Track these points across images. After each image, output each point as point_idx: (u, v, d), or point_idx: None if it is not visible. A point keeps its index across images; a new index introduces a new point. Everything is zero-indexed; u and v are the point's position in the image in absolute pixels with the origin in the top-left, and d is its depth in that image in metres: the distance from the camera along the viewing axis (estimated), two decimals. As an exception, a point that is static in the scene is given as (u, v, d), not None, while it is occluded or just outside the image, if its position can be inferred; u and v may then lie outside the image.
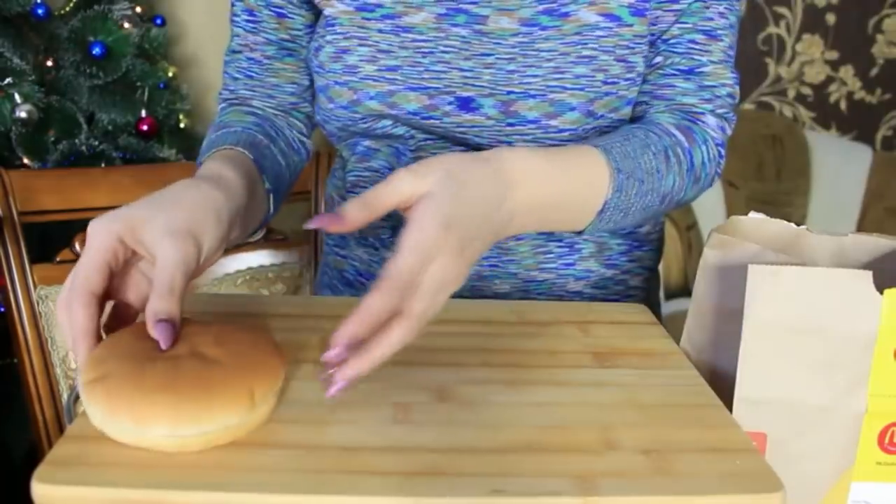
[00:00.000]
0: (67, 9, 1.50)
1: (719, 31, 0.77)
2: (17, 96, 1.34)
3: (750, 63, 2.47)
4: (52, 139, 1.40)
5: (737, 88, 0.79)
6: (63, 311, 0.53)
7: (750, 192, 2.27)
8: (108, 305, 0.55)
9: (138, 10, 1.60)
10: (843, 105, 2.55)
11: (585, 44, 0.73)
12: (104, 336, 0.54)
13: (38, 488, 0.44)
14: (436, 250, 0.52)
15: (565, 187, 0.64)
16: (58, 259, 1.03)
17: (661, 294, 0.96)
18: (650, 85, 0.78)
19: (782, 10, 2.46)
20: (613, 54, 0.74)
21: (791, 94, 2.53)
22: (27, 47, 1.40)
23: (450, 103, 0.75)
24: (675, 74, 0.78)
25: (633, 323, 0.72)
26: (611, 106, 0.76)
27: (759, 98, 2.53)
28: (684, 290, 2.12)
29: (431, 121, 0.76)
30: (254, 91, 0.84)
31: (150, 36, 1.60)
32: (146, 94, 1.56)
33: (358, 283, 0.88)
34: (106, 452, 0.47)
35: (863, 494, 0.59)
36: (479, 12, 0.74)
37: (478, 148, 0.74)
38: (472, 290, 0.83)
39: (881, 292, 0.55)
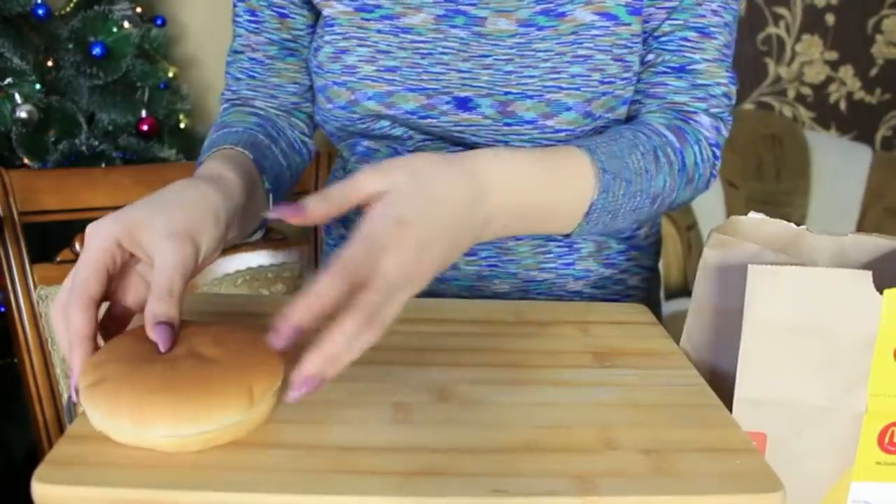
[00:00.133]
0: (68, 9, 1.50)
1: (712, 29, 0.76)
2: (17, 96, 1.34)
3: (750, 63, 2.47)
4: (53, 139, 1.40)
5: (733, 88, 0.78)
6: (59, 315, 0.53)
7: (750, 192, 2.27)
8: (104, 306, 0.55)
9: (138, 10, 1.60)
10: (842, 105, 2.55)
11: (581, 43, 0.73)
12: (101, 340, 0.54)
13: (38, 488, 0.44)
14: (387, 244, 0.50)
15: (547, 189, 0.63)
16: (58, 259, 1.03)
17: (662, 294, 0.96)
18: (642, 84, 0.78)
19: (782, 10, 2.46)
20: (610, 53, 0.74)
21: (791, 94, 2.53)
22: (27, 47, 1.40)
23: (447, 103, 0.75)
24: (666, 72, 0.77)
25: (633, 323, 0.72)
26: (607, 106, 0.75)
27: (758, 98, 2.53)
28: (684, 290, 2.12)
29: (429, 120, 0.76)
30: (256, 91, 0.84)
31: (150, 36, 1.60)
32: (146, 94, 1.56)
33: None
34: (106, 452, 0.47)
35: (863, 494, 0.59)
36: (477, 14, 0.74)
37: (475, 147, 0.74)
38: (472, 290, 0.83)
39: (881, 292, 0.55)
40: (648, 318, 0.73)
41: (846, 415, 0.57)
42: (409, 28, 0.74)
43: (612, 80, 0.74)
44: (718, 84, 0.77)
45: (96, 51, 1.44)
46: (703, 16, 0.75)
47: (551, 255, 0.83)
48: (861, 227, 2.31)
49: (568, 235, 0.68)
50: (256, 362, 0.51)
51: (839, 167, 2.34)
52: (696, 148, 0.75)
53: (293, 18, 0.81)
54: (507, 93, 0.74)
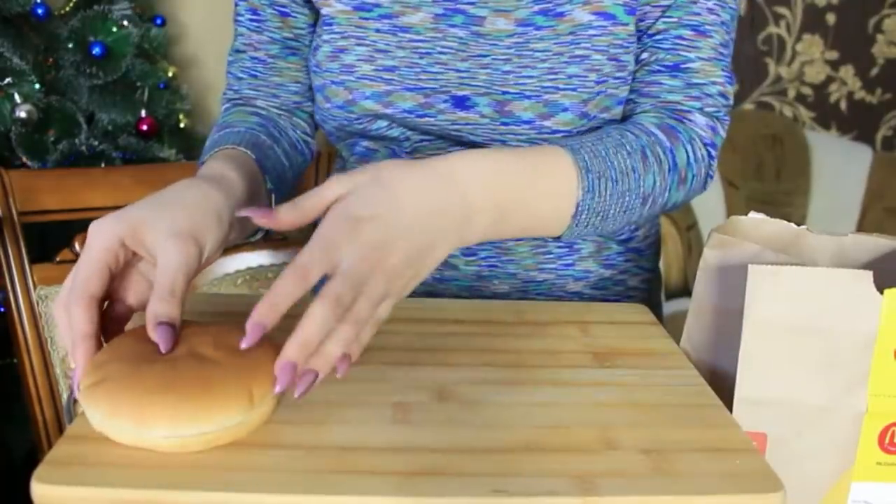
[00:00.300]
0: (67, 9, 1.50)
1: (708, 28, 0.75)
2: (17, 96, 1.34)
3: (750, 63, 2.47)
4: (52, 139, 1.40)
5: (730, 87, 0.77)
6: (62, 314, 0.53)
7: (750, 192, 2.27)
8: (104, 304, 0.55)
9: (138, 9, 1.60)
10: (843, 105, 2.55)
11: (578, 43, 0.73)
12: (102, 338, 0.54)
13: (37, 488, 0.44)
14: (340, 240, 0.51)
15: (527, 187, 0.62)
16: (58, 259, 1.03)
17: (662, 295, 0.96)
18: (637, 82, 0.77)
19: (782, 10, 2.46)
20: (606, 53, 0.74)
21: (791, 94, 2.53)
22: (27, 47, 1.40)
23: (444, 102, 0.75)
24: (660, 71, 0.76)
25: (633, 323, 0.72)
26: (602, 105, 0.75)
27: (759, 98, 2.53)
28: (684, 290, 2.12)
29: (426, 118, 0.76)
30: (258, 91, 0.84)
31: (150, 36, 1.60)
32: (146, 94, 1.56)
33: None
34: (105, 453, 0.47)
35: (863, 494, 0.59)
36: (476, 13, 0.74)
37: (473, 147, 0.74)
38: (472, 290, 0.83)
39: (881, 292, 0.55)
40: (648, 318, 0.73)
41: (846, 415, 0.57)
42: (408, 27, 0.74)
43: (606, 79, 0.74)
44: (714, 83, 0.76)
45: (96, 50, 1.44)
46: (699, 14, 0.74)
47: (551, 256, 0.83)
48: (861, 227, 2.31)
49: (559, 238, 0.68)
50: (257, 363, 0.51)
51: (839, 167, 2.34)
52: (689, 147, 0.74)
53: (295, 17, 0.81)
54: (504, 92, 0.74)
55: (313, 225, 0.54)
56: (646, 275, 0.89)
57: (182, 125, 1.68)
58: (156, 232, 0.54)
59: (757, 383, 0.58)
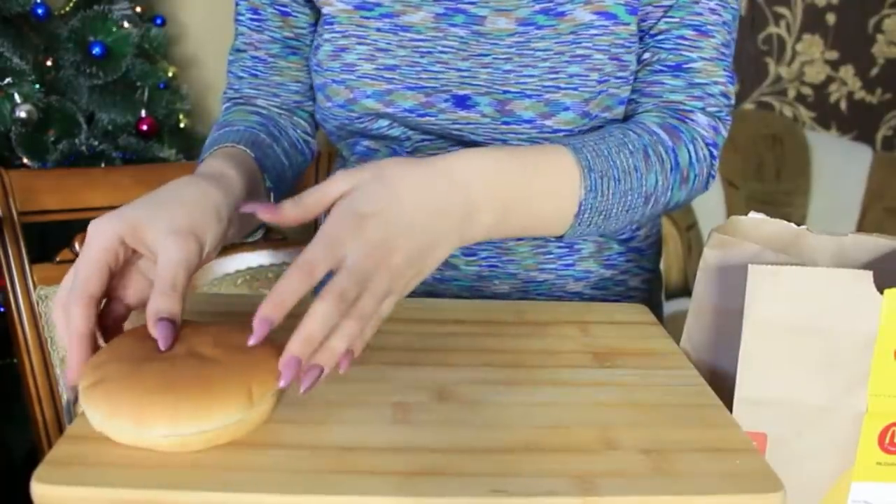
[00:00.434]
0: (67, 9, 1.50)
1: (710, 28, 0.75)
2: (17, 96, 1.34)
3: (750, 63, 2.47)
4: (52, 139, 1.40)
5: (731, 87, 0.77)
6: (60, 313, 0.53)
7: (750, 192, 2.27)
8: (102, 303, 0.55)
9: (138, 10, 1.60)
10: (843, 105, 2.55)
11: (579, 43, 0.73)
12: (100, 337, 0.54)
13: (37, 488, 0.44)
14: (344, 236, 0.51)
15: (529, 185, 0.62)
16: (58, 259, 1.03)
17: (662, 295, 0.96)
18: (639, 82, 0.77)
19: (782, 10, 2.46)
20: (608, 53, 0.74)
21: (791, 94, 2.53)
22: (27, 47, 1.40)
23: (445, 101, 0.75)
24: (662, 71, 0.76)
25: (633, 323, 0.72)
26: (604, 105, 0.75)
27: (759, 98, 2.53)
28: (684, 290, 2.12)
29: (427, 118, 0.76)
30: (258, 90, 0.84)
31: (150, 36, 1.60)
32: (146, 94, 1.56)
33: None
34: (105, 453, 0.47)
35: (863, 494, 0.59)
36: (476, 12, 0.74)
37: (474, 146, 0.74)
38: (472, 290, 0.83)
39: (881, 292, 0.55)
40: (648, 318, 0.73)
41: (846, 415, 0.57)
42: (409, 26, 0.74)
43: (608, 78, 0.74)
44: (716, 83, 0.76)
45: (96, 50, 1.44)
46: (701, 14, 0.74)
47: (551, 256, 0.82)
48: (861, 227, 2.31)
49: (560, 237, 0.68)
50: (256, 362, 0.51)
51: (839, 167, 2.34)
52: (691, 147, 0.74)
53: (295, 17, 0.81)
54: (505, 91, 0.74)
55: (313, 224, 0.55)
56: (646, 275, 0.89)
57: (182, 125, 1.68)
58: (156, 230, 0.54)
59: (757, 383, 0.58)
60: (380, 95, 0.75)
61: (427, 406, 0.55)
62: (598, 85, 0.74)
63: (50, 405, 1.02)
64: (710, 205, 2.18)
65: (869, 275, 0.55)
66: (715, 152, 0.77)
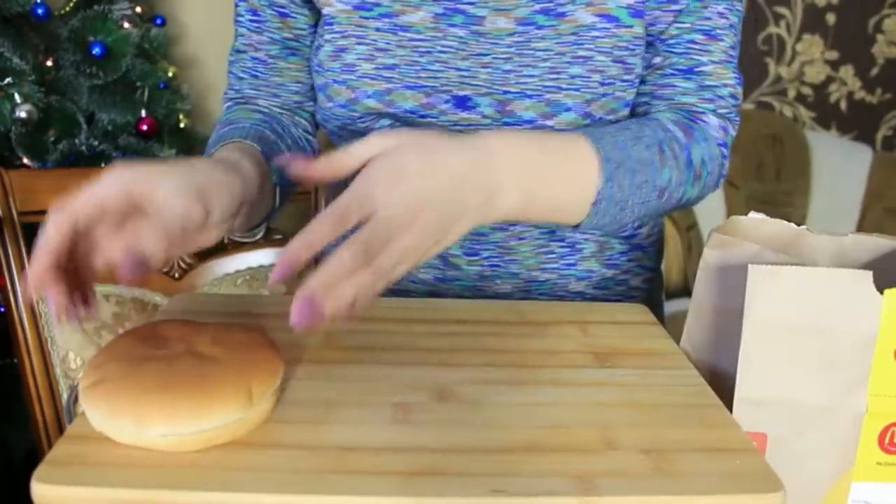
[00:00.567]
0: (67, 9, 1.50)
1: (719, 31, 0.76)
2: (17, 96, 1.34)
3: (750, 63, 2.47)
4: (52, 139, 1.40)
5: (739, 89, 0.79)
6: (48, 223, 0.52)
7: (750, 192, 2.27)
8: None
9: (138, 10, 1.60)
10: (843, 105, 2.55)
11: (581, 44, 0.73)
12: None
13: (37, 488, 0.44)
14: (383, 186, 0.52)
15: (553, 167, 0.63)
16: (58, 259, 1.03)
17: (663, 295, 0.96)
18: (650, 86, 0.78)
19: (782, 10, 2.46)
20: (611, 55, 0.74)
21: (791, 94, 2.53)
22: (27, 47, 1.40)
23: (446, 101, 0.75)
24: (674, 74, 0.77)
25: (634, 323, 0.72)
26: (608, 108, 0.75)
27: (759, 98, 2.53)
28: (684, 290, 2.12)
29: (428, 119, 0.76)
30: (259, 90, 0.84)
31: (150, 36, 1.60)
32: (146, 94, 1.56)
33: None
34: (105, 452, 0.47)
35: (863, 494, 0.59)
36: (475, 13, 0.74)
37: None
38: (474, 290, 0.83)
39: (881, 292, 0.55)
40: (648, 318, 0.73)
41: (846, 415, 0.57)
42: (408, 26, 0.74)
43: (613, 81, 0.74)
44: (725, 85, 0.77)
45: (96, 50, 1.44)
46: (710, 18, 0.76)
47: (553, 256, 0.83)
48: (861, 227, 2.31)
49: (577, 227, 0.68)
50: (256, 361, 0.51)
51: (839, 167, 2.34)
52: (704, 145, 0.75)
53: (294, 18, 0.81)
54: (505, 92, 0.74)
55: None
56: (648, 274, 0.89)
57: (182, 125, 1.68)
58: (165, 188, 0.54)
59: (757, 383, 0.58)
60: (380, 95, 0.75)
61: (427, 406, 0.55)
62: (601, 87, 0.74)
63: (50, 405, 1.02)
64: (710, 205, 2.18)
65: (869, 275, 0.55)
66: (725, 152, 0.78)
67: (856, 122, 2.56)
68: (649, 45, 0.77)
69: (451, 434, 0.52)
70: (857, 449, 0.58)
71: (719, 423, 0.55)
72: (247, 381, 0.50)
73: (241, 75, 0.84)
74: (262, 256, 1.17)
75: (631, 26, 0.74)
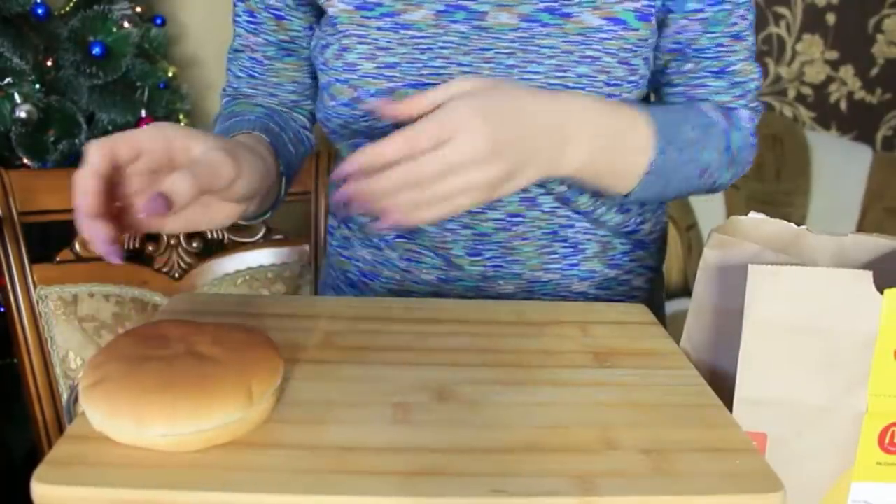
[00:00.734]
0: (67, 9, 1.50)
1: (743, 32, 0.80)
2: (17, 96, 1.34)
3: (750, 63, 2.47)
4: (52, 139, 1.40)
5: (761, 80, 0.83)
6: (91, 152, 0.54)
7: (750, 192, 2.27)
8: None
9: (138, 10, 1.60)
10: (843, 105, 2.55)
11: (590, 45, 0.73)
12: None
13: (37, 488, 0.44)
14: (459, 125, 0.54)
15: (617, 137, 0.67)
16: (58, 259, 1.03)
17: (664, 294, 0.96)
18: (683, 87, 0.81)
19: (782, 10, 2.46)
20: (617, 57, 0.74)
21: (791, 94, 2.53)
22: (27, 47, 1.40)
23: None
24: (706, 76, 0.81)
25: (634, 323, 0.72)
26: None
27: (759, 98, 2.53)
28: (684, 290, 2.12)
29: (431, 116, 0.76)
30: (256, 89, 0.86)
31: (150, 36, 1.60)
32: (146, 94, 1.56)
33: (361, 284, 0.88)
34: (105, 452, 0.47)
35: (863, 494, 0.59)
36: (477, 9, 0.74)
37: None
38: (477, 290, 0.83)
39: (881, 292, 0.55)
40: (648, 318, 0.73)
41: (846, 415, 0.57)
42: (410, 24, 0.74)
43: (619, 82, 0.74)
44: (752, 80, 0.82)
45: (96, 50, 1.44)
46: (736, 23, 0.79)
47: (556, 256, 0.83)
48: (861, 227, 2.31)
49: (626, 196, 0.72)
50: (256, 361, 0.51)
51: (839, 167, 2.34)
52: (739, 134, 0.80)
53: (289, 20, 0.81)
54: None
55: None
56: (650, 274, 0.89)
57: (182, 125, 1.67)
58: (203, 143, 0.56)
59: (757, 383, 0.58)
60: (382, 94, 0.75)
61: (427, 406, 0.55)
62: (607, 87, 0.74)
63: (50, 405, 1.02)
64: (710, 205, 2.18)
65: (869, 275, 0.55)
66: (754, 141, 0.83)
67: (856, 122, 2.56)
68: (678, 52, 0.80)
69: (451, 434, 0.52)
70: (857, 449, 0.58)
71: (719, 423, 0.55)
72: (247, 380, 0.50)
73: (239, 74, 0.86)
74: (262, 256, 1.17)
75: (637, 29, 0.74)
